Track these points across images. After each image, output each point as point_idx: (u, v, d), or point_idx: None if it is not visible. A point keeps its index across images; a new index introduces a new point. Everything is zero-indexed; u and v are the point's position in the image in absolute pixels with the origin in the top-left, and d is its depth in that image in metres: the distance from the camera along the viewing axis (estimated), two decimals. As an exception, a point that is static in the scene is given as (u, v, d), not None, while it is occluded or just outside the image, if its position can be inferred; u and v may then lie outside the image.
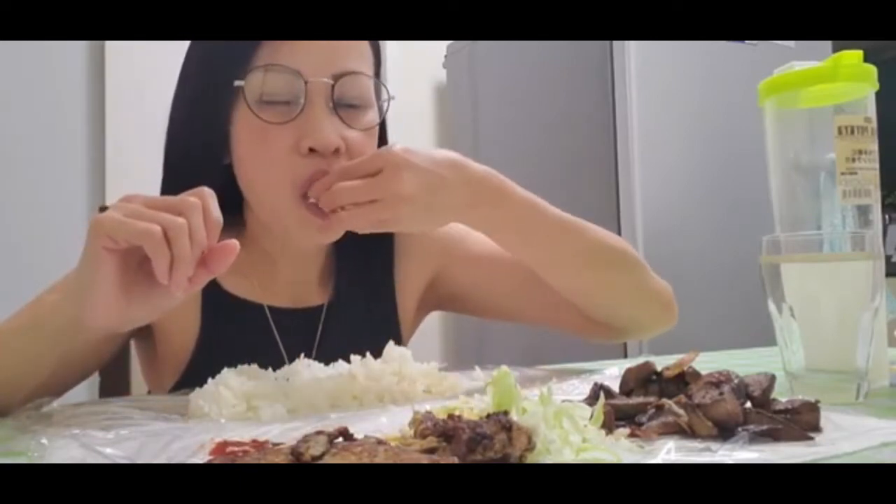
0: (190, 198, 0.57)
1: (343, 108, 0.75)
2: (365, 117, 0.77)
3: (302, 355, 0.71)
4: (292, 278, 0.86)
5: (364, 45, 0.79)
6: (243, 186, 0.78)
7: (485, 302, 0.94)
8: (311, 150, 0.72)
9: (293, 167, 0.73)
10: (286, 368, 0.69)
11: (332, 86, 0.73)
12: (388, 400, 0.66)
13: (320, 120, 0.72)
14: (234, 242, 0.58)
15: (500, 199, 0.76)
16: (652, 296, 0.86)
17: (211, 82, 0.75)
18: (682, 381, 0.58)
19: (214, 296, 0.81)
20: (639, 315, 0.87)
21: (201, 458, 0.45)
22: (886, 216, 2.89)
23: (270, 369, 0.67)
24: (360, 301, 0.87)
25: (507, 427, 0.40)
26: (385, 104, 0.80)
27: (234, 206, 0.80)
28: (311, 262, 0.87)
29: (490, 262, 0.91)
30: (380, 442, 0.39)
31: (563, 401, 0.48)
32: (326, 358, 0.72)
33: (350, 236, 0.80)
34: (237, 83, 0.72)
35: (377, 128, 0.80)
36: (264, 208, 0.79)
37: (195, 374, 0.78)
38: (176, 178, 0.80)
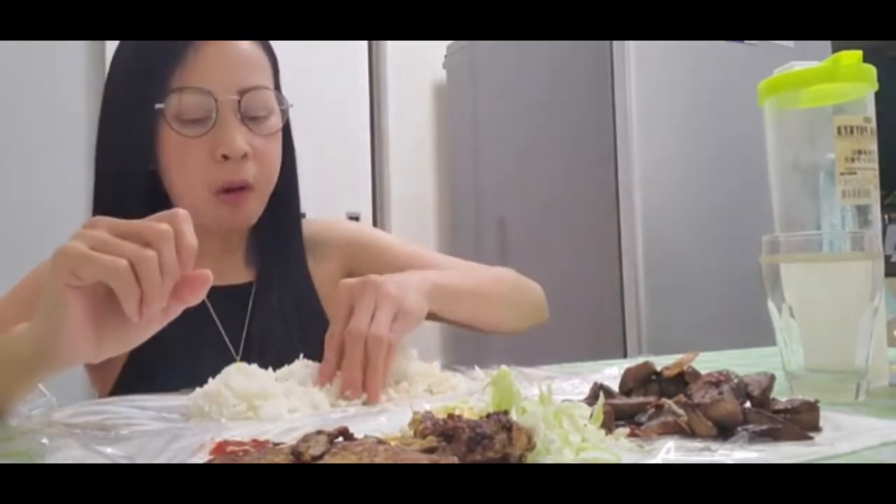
0: (160, 224, 0.54)
1: (249, 118, 0.85)
2: (267, 124, 0.88)
3: (302, 356, 0.71)
4: (219, 258, 0.92)
5: (263, 61, 0.89)
6: (168, 188, 0.87)
7: None
8: (224, 156, 0.83)
9: (209, 172, 0.84)
10: (286, 368, 0.69)
11: (239, 101, 0.84)
12: (387, 400, 0.66)
13: (231, 131, 0.83)
14: (208, 273, 0.56)
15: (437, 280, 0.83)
16: (532, 309, 1.01)
17: (135, 103, 0.84)
18: (681, 380, 0.58)
19: None
20: (521, 324, 1.00)
21: (201, 458, 0.45)
22: (886, 216, 2.89)
23: (271, 369, 0.67)
24: (282, 283, 0.94)
25: (507, 427, 0.40)
26: (285, 111, 0.90)
27: (161, 206, 0.84)
28: (236, 245, 0.95)
29: (401, 266, 0.94)
30: (380, 442, 0.39)
31: (563, 401, 0.48)
32: (258, 335, 0.80)
33: (261, 229, 0.92)
34: (158, 106, 0.82)
35: (280, 132, 0.90)
36: (187, 206, 0.80)
37: (139, 359, 0.80)
38: (107, 184, 0.89)
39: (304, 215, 1.00)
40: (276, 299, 0.92)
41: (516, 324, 0.99)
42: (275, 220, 0.93)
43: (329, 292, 0.97)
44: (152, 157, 0.86)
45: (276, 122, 0.89)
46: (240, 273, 0.94)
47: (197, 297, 0.56)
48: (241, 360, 0.67)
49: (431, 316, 0.82)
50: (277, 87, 0.92)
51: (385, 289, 0.71)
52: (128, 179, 0.86)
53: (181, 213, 0.56)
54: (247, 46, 0.86)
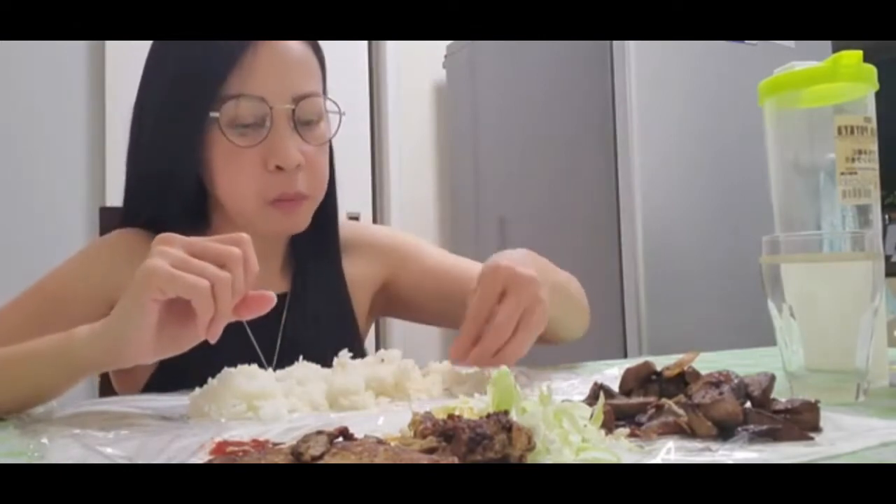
0: (233, 248, 0.61)
1: (302, 126, 0.84)
2: (318, 132, 0.86)
3: (300, 357, 0.71)
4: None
5: (314, 64, 0.87)
6: (218, 194, 0.86)
7: (428, 309, 1.00)
8: (278, 167, 0.82)
9: (262, 182, 0.82)
10: (287, 368, 0.69)
11: (293, 109, 0.82)
12: (386, 400, 0.66)
13: (284, 141, 0.82)
14: (271, 295, 0.63)
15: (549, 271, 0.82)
16: (585, 318, 0.97)
17: (188, 108, 0.82)
18: (681, 381, 0.58)
19: None
20: (575, 333, 0.96)
21: (201, 458, 0.45)
22: (886, 216, 2.89)
23: (272, 370, 0.67)
24: (318, 291, 0.93)
25: (507, 427, 0.40)
26: (338, 117, 0.89)
27: (198, 208, 0.89)
28: (271, 252, 0.93)
29: (440, 274, 0.97)
30: (380, 442, 0.39)
31: (563, 401, 0.48)
32: (291, 345, 0.77)
33: (299, 236, 0.90)
34: (213, 114, 0.81)
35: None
36: (236, 212, 0.86)
37: (168, 368, 0.79)
38: (147, 184, 0.88)
39: None
40: (311, 307, 0.91)
41: (573, 331, 0.95)
42: (315, 227, 0.91)
43: (358, 294, 0.97)
44: (199, 162, 0.84)
45: (326, 129, 0.87)
46: (274, 282, 0.91)
47: (254, 315, 0.62)
48: (275, 368, 0.67)
49: None
50: (325, 90, 0.90)
51: (540, 295, 0.70)
52: (171, 182, 0.85)
53: (245, 237, 0.62)
54: (299, 49, 0.84)
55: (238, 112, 0.81)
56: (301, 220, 0.86)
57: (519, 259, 0.74)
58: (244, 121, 0.81)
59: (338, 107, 0.88)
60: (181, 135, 0.83)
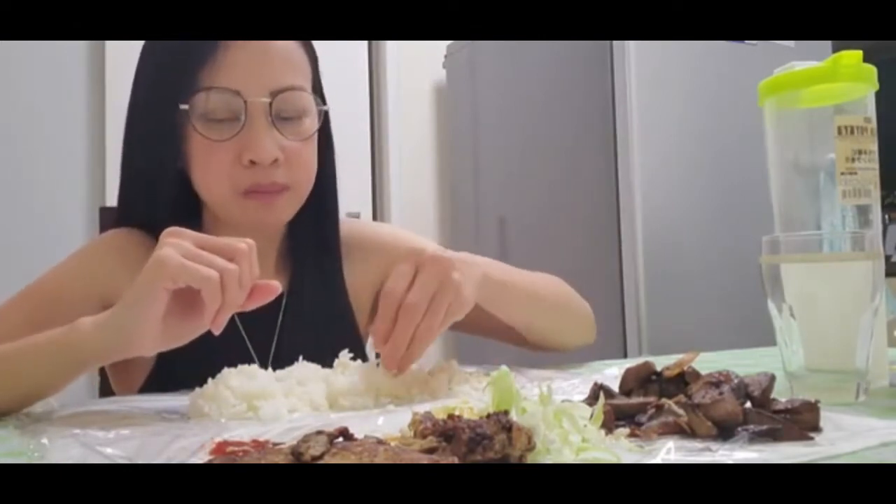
0: (240, 244, 0.62)
1: (280, 121, 0.81)
2: (301, 127, 0.84)
3: (300, 358, 0.71)
4: None
5: (300, 58, 0.85)
6: (196, 188, 0.85)
7: None
8: (252, 162, 0.80)
9: (236, 176, 0.81)
10: (287, 368, 0.69)
11: (270, 103, 0.80)
12: (386, 400, 0.66)
13: (260, 136, 0.79)
14: (276, 285, 0.63)
15: (495, 271, 0.81)
16: (583, 325, 0.96)
17: (161, 101, 0.82)
18: (681, 381, 0.58)
19: None
20: (572, 339, 0.96)
21: (201, 458, 0.45)
22: (886, 216, 2.89)
23: (271, 369, 0.67)
24: (316, 291, 0.91)
25: (507, 427, 0.40)
26: (321, 112, 0.86)
27: (188, 205, 0.87)
28: (264, 252, 0.90)
29: None
30: (380, 442, 0.39)
31: (563, 401, 0.48)
32: (288, 345, 0.76)
33: (297, 232, 0.90)
34: (182, 106, 0.79)
35: (316, 134, 0.86)
36: (212, 204, 0.86)
37: (164, 368, 0.81)
38: (135, 181, 0.88)
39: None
40: (309, 310, 0.89)
41: (566, 337, 0.94)
42: (311, 224, 0.90)
43: (361, 295, 0.96)
44: (180, 156, 0.83)
45: (310, 124, 0.84)
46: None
47: (258, 304, 0.63)
48: (273, 370, 0.67)
49: (475, 321, 0.80)
50: (317, 87, 0.88)
51: (452, 275, 0.70)
52: (155, 177, 0.84)
53: (251, 241, 0.63)
54: (282, 44, 0.82)
55: (209, 105, 0.79)
56: (281, 212, 0.84)
57: (448, 252, 0.74)
58: (217, 114, 0.79)
59: (322, 102, 0.86)
60: (160, 130, 0.82)
